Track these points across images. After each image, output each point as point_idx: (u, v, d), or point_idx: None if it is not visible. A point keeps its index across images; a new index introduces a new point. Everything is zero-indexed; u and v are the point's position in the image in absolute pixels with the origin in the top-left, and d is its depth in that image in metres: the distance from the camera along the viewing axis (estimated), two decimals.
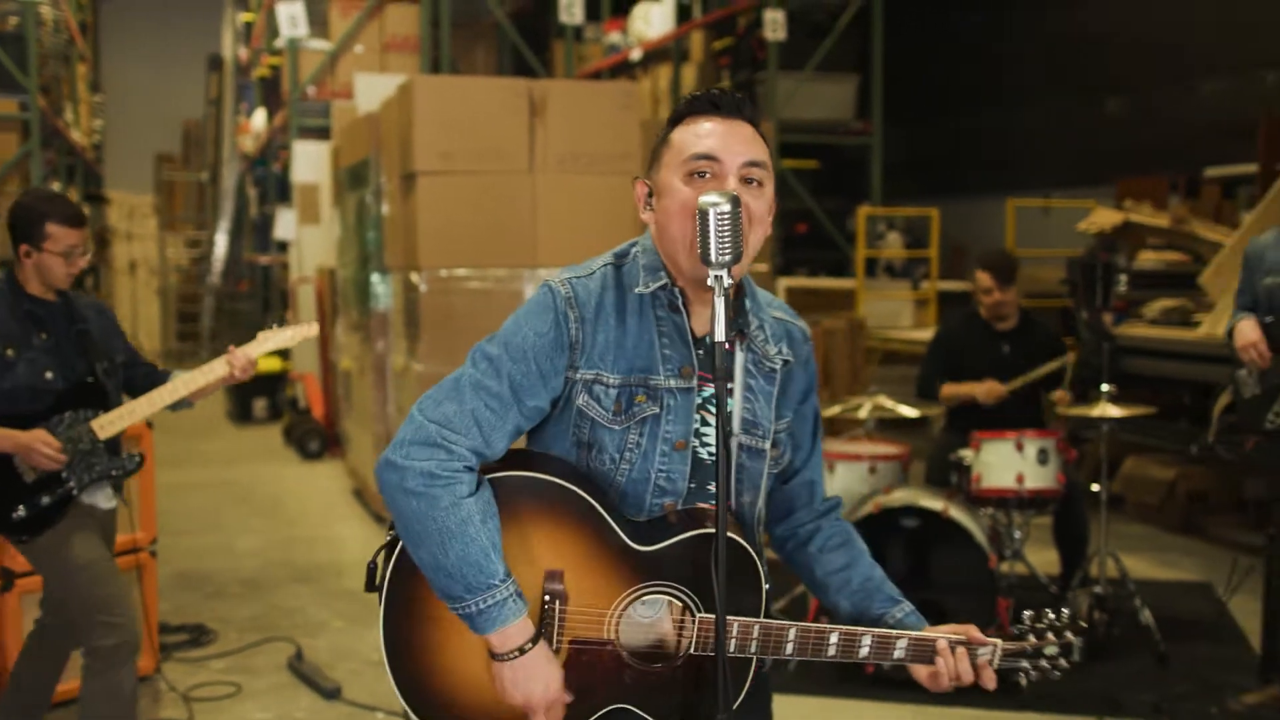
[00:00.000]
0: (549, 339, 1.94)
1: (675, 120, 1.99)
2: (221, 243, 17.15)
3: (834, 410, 5.43)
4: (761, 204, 1.95)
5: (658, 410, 1.97)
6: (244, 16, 15.16)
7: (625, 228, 6.20)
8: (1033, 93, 11.77)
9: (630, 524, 1.96)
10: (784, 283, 10.27)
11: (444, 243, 6.03)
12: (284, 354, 11.68)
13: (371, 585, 1.98)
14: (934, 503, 4.54)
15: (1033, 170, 11.64)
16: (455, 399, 1.91)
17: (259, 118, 13.90)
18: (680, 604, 1.95)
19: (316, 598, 5.84)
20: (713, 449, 2.00)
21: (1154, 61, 10.33)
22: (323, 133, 10.76)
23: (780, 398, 2.09)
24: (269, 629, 5.33)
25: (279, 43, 11.37)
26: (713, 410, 1.99)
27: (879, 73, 11.03)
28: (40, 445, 3.39)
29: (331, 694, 4.57)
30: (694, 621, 1.94)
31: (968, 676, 1.99)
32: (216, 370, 3.60)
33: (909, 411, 5.25)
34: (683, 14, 12.53)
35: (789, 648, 1.96)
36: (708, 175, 1.92)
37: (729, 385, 2.01)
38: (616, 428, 1.96)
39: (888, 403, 5.19)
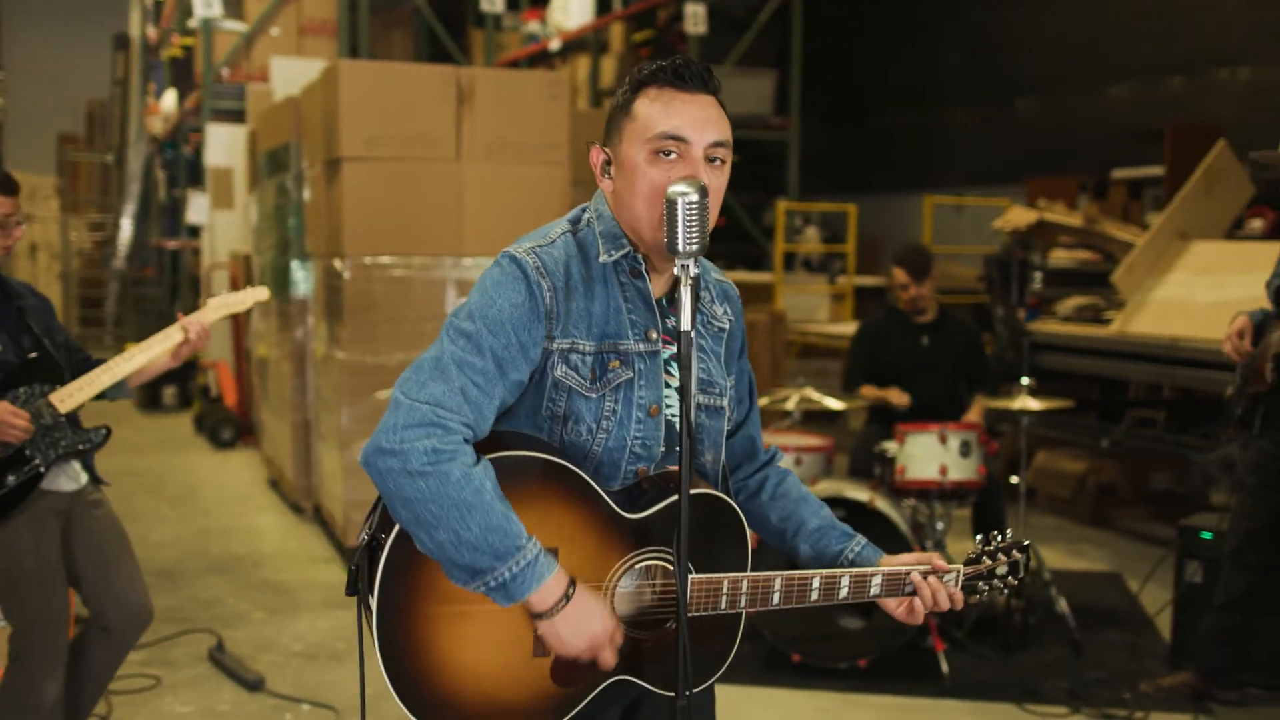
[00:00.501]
0: (525, 309, 1.91)
1: (636, 87, 1.95)
2: (127, 226, 16.72)
3: (760, 402, 5.47)
4: (722, 180, 1.97)
5: (631, 375, 1.97)
6: None
7: (552, 217, 6.16)
8: (948, 92, 11.97)
9: (615, 493, 1.97)
10: None
11: (368, 230, 5.96)
12: None
13: (353, 589, 1.92)
14: (859, 494, 4.61)
15: (947, 168, 11.85)
16: (441, 378, 1.86)
17: (169, 99, 13.57)
18: (672, 569, 1.97)
19: (235, 589, 5.75)
20: (676, 412, 2.01)
21: (1065, 65, 10.58)
22: (237, 116, 10.55)
23: (728, 356, 2.15)
24: (187, 621, 5.23)
25: (192, 23, 11.13)
26: (673, 373, 2.02)
27: (798, 69, 11.13)
28: (9, 416, 3.16)
29: (255, 685, 4.50)
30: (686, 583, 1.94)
31: (945, 603, 2.08)
32: (172, 336, 3.47)
33: (836, 404, 5.32)
34: (603, 6, 12.52)
35: (776, 597, 2.01)
36: (673, 155, 1.91)
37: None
38: (594, 396, 1.95)
39: (815, 394, 5.24)
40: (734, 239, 11.92)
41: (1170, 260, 6.66)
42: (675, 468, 2.01)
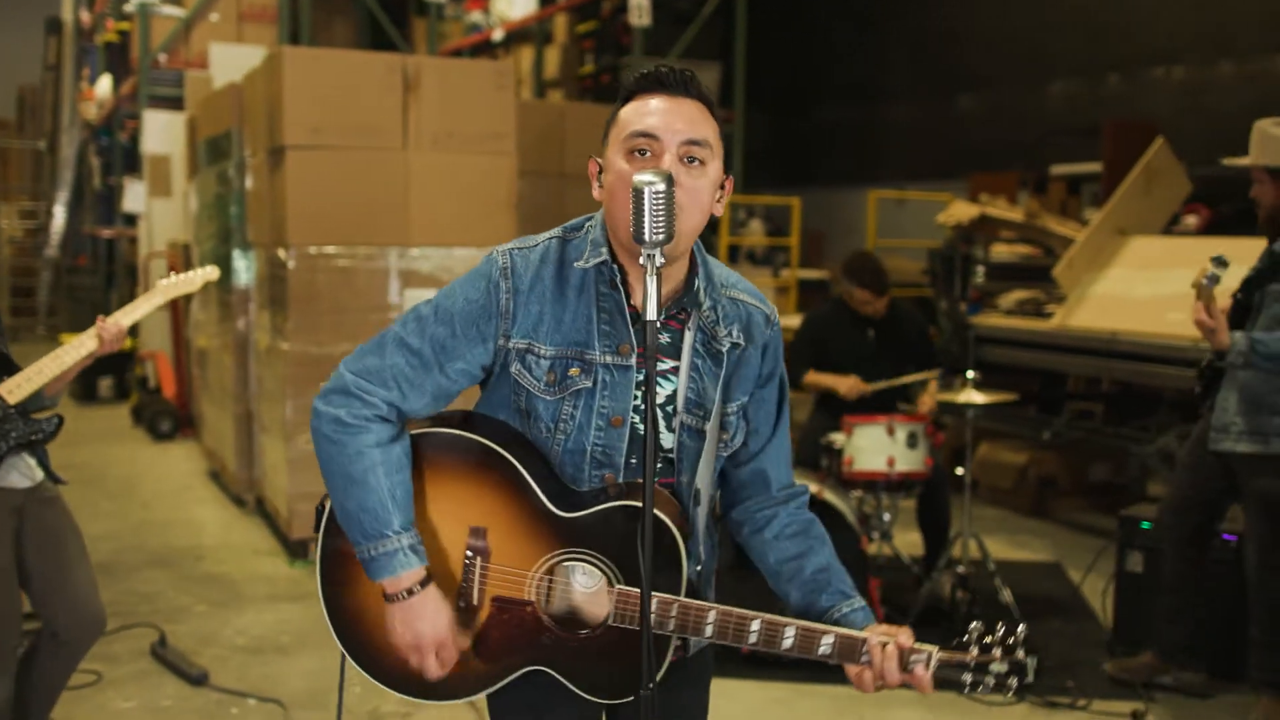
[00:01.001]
0: (478, 305, 1.97)
1: (625, 96, 1.99)
2: (60, 214, 16.42)
3: None
4: (703, 182, 1.94)
5: (591, 384, 1.97)
6: None
7: (499, 208, 6.15)
8: (891, 87, 12.06)
9: (560, 491, 1.99)
10: None
11: (313, 219, 5.89)
12: (132, 330, 11.26)
13: (318, 525, 2.06)
14: (807, 485, 4.62)
15: (890, 162, 11.94)
16: (378, 353, 1.97)
17: (104, 85, 13.33)
18: (601, 574, 1.97)
19: (176, 582, 5.67)
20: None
21: (1006, 62, 10.69)
22: (175, 102, 10.38)
23: (731, 381, 2.06)
24: (127, 615, 5.15)
25: (129, 7, 10.94)
26: (657, 390, 2.00)
27: (741, 62, 11.15)
28: None
29: (198, 680, 4.44)
30: (613, 592, 1.95)
31: (893, 679, 1.93)
32: (86, 345, 3.39)
33: None
34: None
35: (708, 630, 1.94)
36: (647, 154, 1.92)
37: (675, 365, 2.02)
38: (550, 398, 1.98)
39: None
40: None
41: (1109, 255, 6.76)
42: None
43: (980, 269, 7.46)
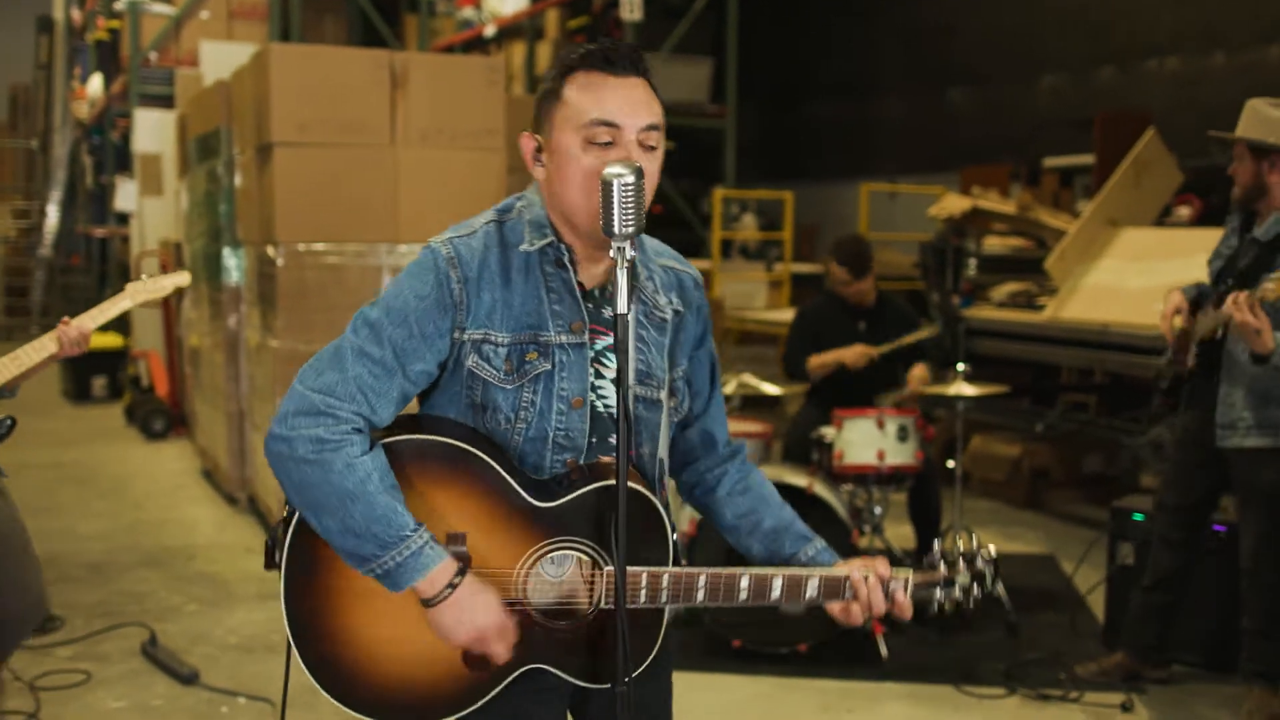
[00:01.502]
0: (430, 300, 1.91)
1: (565, 72, 1.93)
2: (53, 214, 16.40)
3: None
4: (656, 164, 1.94)
5: (550, 367, 1.94)
6: None
7: (489, 203, 6.10)
8: (883, 81, 12.06)
9: (532, 482, 1.94)
10: None
11: (302, 216, 5.87)
12: (124, 330, 11.25)
13: (271, 563, 1.93)
14: (798, 479, 4.62)
15: (882, 156, 11.94)
16: (337, 367, 1.87)
17: (95, 83, 13.31)
18: (588, 559, 1.94)
19: (168, 582, 5.65)
20: (609, 402, 1.99)
21: (998, 55, 10.69)
22: (166, 101, 10.37)
23: (673, 346, 2.08)
24: (118, 614, 5.13)
25: (119, 5, 10.91)
26: (606, 364, 1.98)
27: (733, 56, 11.14)
28: None
29: (189, 679, 4.42)
30: (601, 576, 1.93)
31: (880, 607, 1.99)
32: (46, 347, 3.37)
33: (773, 389, 5.33)
34: None
35: (700, 594, 1.94)
36: (610, 144, 1.89)
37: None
38: (509, 387, 1.94)
39: (753, 380, 5.25)
40: (671, 227, 11.90)
41: (1101, 247, 6.75)
42: (607, 459, 1.99)
43: (972, 262, 7.45)
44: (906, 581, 2.02)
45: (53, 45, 16.95)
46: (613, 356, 1.97)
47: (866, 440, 4.89)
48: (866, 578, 1.99)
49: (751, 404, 6.66)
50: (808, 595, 1.99)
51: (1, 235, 18.81)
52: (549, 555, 1.93)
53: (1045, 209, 7.89)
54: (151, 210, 10.27)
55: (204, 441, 7.99)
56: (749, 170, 11.82)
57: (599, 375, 1.98)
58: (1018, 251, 7.93)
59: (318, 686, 1.92)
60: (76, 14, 14.98)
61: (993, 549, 2.10)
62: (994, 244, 8.08)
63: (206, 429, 7.86)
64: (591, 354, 1.97)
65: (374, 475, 1.82)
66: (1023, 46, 10.40)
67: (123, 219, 11.58)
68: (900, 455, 4.87)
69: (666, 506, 2.05)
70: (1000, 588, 4.92)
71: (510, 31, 13.09)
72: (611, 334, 1.97)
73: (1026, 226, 7.68)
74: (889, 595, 2.00)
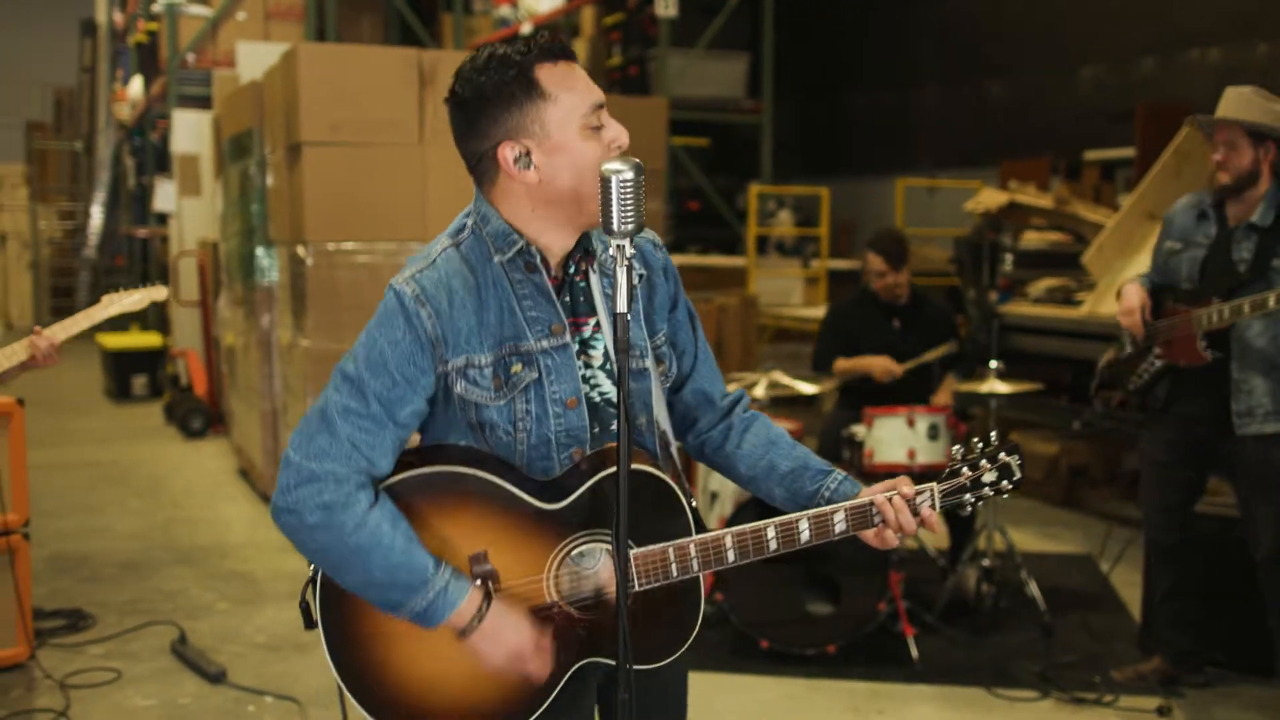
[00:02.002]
0: (405, 345, 1.90)
1: (525, 70, 1.89)
2: (97, 215, 16.59)
3: (730, 387, 5.42)
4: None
5: (537, 375, 1.95)
6: None
7: None
8: (921, 75, 11.94)
9: (539, 486, 1.95)
10: (675, 260, 10.25)
11: (331, 216, 5.89)
12: (164, 329, 11.35)
13: (310, 623, 1.96)
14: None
15: (920, 151, 11.82)
16: (327, 430, 1.88)
17: (135, 85, 13.44)
18: (612, 546, 1.95)
19: (200, 580, 5.68)
20: (604, 390, 2.00)
21: (1037, 47, 10.55)
22: (203, 102, 10.44)
23: (648, 310, 2.08)
24: (150, 613, 5.16)
25: (157, 8, 11.00)
26: (591, 353, 1.99)
27: (769, 52, 11.07)
28: None
29: (217, 678, 4.44)
30: (629, 560, 1.93)
31: (911, 526, 1.99)
32: (18, 354, 3.43)
33: (805, 388, 5.27)
34: None
35: (731, 555, 1.96)
36: (599, 126, 1.92)
37: (596, 319, 2.01)
38: (501, 403, 1.94)
39: (783, 379, 5.20)
40: (708, 223, 11.86)
41: (1140, 241, 6.63)
42: (611, 444, 2.00)
43: (1008, 257, 7.35)
44: (932, 494, 2.03)
45: (96, 48, 17.13)
46: (594, 344, 1.99)
47: (897, 439, 4.83)
48: (891, 499, 1.99)
49: (785, 401, 6.60)
50: (837, 531, 1.99)
51: (47, 237, 19.05)
52: (574, 552, 1.95)
53: (1084, 203, 7.77)
54: (190, 210, 10.35)
55: (240, 440, 8.04)
56: (786, 166, 11.75)
57: (588, 366, 1.99)
58: (1055, 246, 7.81)
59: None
60: (119, 17, 15.12)
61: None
62: (1032, 239, 7.97)
63: (242, 427, 7.91)
64: (576, 347, 1.98)
65: (384, 525, 1.85)
66: (1063, 37, 10.26)
67: (162, 219, 11.67)
68: (931, 454, 4.81)
69: (679, 476, 2.07)
70: (1034, 588, 4.86)
71: (546, 29, 13.09)
72: (592, 321, 2.00)
73: (1064, 221, 7.57)
74: (916, 512, 2.00)
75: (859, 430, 4.92)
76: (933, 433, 4.83)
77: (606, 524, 1.94)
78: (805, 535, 1.98)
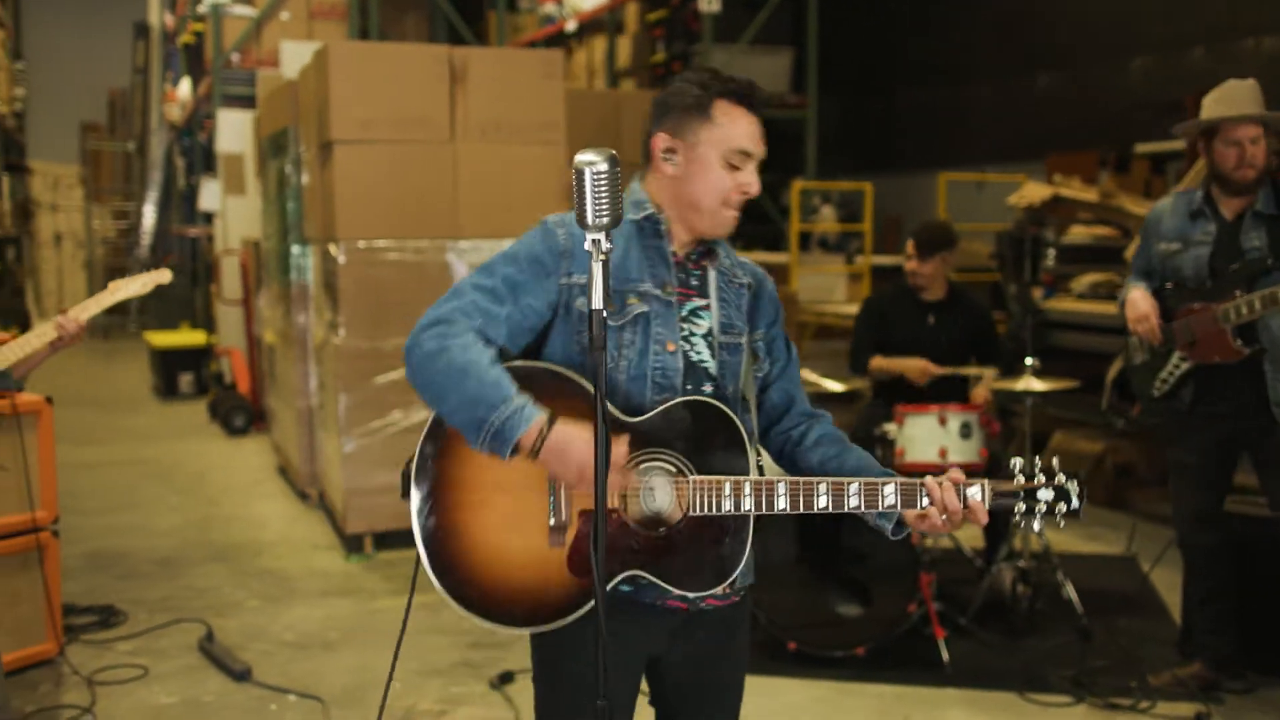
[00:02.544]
0: (539, 246, 2.21)
1: (713, 95, 2.21)
2: (150, 214, 16.79)
3: None
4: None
5: (647, 310, 2.20)
6: None
7: (549, 198, 6.07)
8: (967, 68, 11.77)
9: (625, 405, 2.16)
10: None
11: (362, 213, 5.88)
12: (209, 327, 11.44)
13: (406, 493, 2.15)
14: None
15: (966, 145, 11.65)
16: (455, 297, 2.16)
17: (184, 86, 13.58)
18: (674, 469, 2.12)
19: (232, 577, 5.70)
20: (701, 355, 2.24)
21: (1086, 38, 10.36)
22: (248, 101, 10.50)
23: (752, 310, 2.35)
24: (181, 609, 5.18)
25: (202, 8, 11.09)
26: (697, 323, 2.25)
27: (814, 46, 10.97)
28: None
29: (241, 676, 4.44)
30: (689, 484, 2.11)
31: (956, 506, 2.10)
32: (46, 334, 3.52)
33: (834, 386, 5.19)
34: None
35: (781, 501, 2.12)
36: (737, 168, 2.21)
37: (706, 301, 2.27)
38: (612, 324, 2.16)
39: (812, 377, 5.12)
40: (751, 219, 11.73)
41: None
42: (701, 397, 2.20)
43: (1051, 252, 7.21)
44: (983, 487, 2.14)
45: (148, 50, 17.35)
46: (700, 317, 2.26)
47: (928, 437, 4.74)
48: (941, 481, 2.13)
49: (823, 399, 6.52)
50: (886, 502, 2.12)
51: (101, 236, 19.32)
52: (639, 467, 2.12)
53: (1131, 196, 7.59)
54: (234, 209, 10.42)
55: (279, 438, 8.08)
56: (829, 161, 11.61)
57: (691, 333, 2.25)
58: (1101, 240, 7.65)
59: (443, 592, 2.11)
60: (169, 19, 15.29)
61: (1058, 462, 2.19)
62: (1078, 233, 7.80)
63: (281, 425, 7.94)
64: (681, 314, 2.24)
65: (485, 357, 2.07)
66: (1112, 28, 10.06)
67: (209, 218, 11.77)
68: (963, 453, 4.71)
69: (752, 434, 2.25)
70: (1071, 590, 4.75)
71: (591, 26, 13.06)
72: (696, 296, 2.27)
73: (1109, 214, 7.41)
74: (965, 502, 2.11)
75: (890, 428, 4.83)
76: (965, 431, 4.73)
77: (673, 446, 2.12)
78: (855, 500, 2.12)
